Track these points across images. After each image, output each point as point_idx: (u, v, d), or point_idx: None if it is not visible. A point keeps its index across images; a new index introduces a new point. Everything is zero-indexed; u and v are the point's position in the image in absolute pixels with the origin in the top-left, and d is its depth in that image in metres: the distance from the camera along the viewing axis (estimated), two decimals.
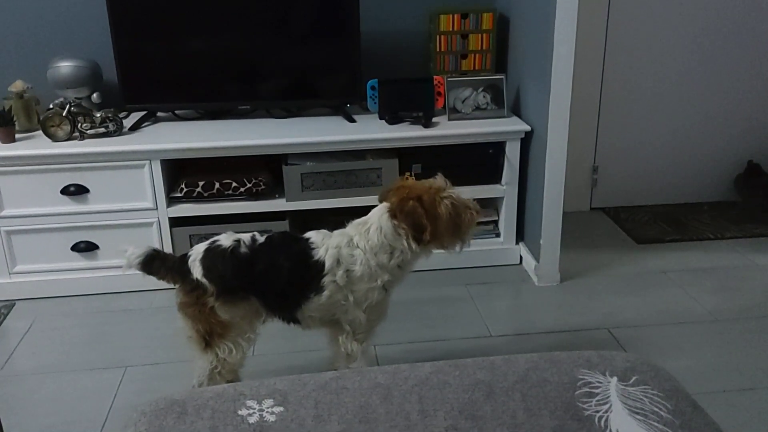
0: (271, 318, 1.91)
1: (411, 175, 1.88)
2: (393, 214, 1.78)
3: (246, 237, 1.81)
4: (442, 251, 1.86)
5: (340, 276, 1.78)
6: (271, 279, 1.79)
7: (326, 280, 1.78)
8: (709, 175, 3.57)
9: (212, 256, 1.79)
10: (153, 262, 1.81)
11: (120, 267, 2.72)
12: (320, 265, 1.78)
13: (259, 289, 1.81)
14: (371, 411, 1.27)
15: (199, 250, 1.81)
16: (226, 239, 1.81)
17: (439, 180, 1.82)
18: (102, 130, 2.69)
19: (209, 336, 1.80)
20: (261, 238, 1.81)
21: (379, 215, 1.81)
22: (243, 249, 1.78)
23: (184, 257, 1.82)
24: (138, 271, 1.83)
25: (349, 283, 1.80)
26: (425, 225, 1.74)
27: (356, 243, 1.80)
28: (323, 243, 1.81)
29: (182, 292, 1.81)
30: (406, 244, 1.78)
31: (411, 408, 1.27)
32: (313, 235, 1.83)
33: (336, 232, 1.85)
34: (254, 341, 1.92)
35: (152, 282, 2.77)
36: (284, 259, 1.79)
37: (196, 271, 1.78)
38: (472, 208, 1.84)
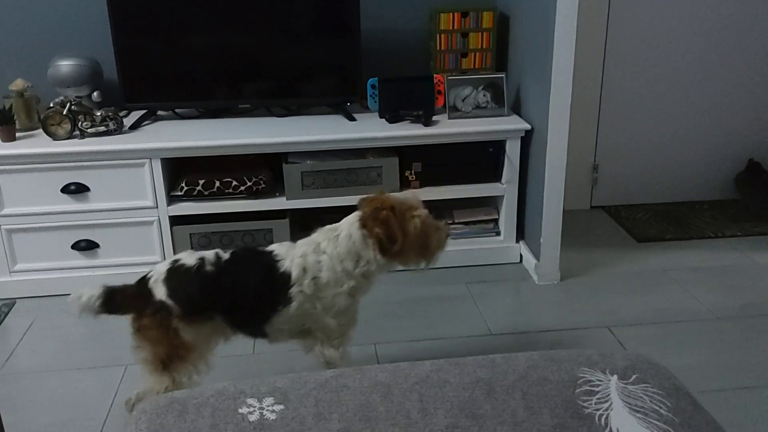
0: (236, 335, 1.86)
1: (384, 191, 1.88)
2: (363, 223, 1.78)
3: (209, 254, 1.78)
4: (406, 267, 1.85)
5: (308, 285, 1.77)
6: (239, 295, 1.76)
7: (294, 291, 1.76)
8: (709, 173, 3.57)
9: (177, 276, 1.74)
10: (114, 297, 1.73)
11: (121, 265, 2.74)
12: (287, 276, 1.76)
13: (227, 306, 1.77)
14: (371, 409, 1.27)
15: (160, 270, 1.76)
16: (188, 258, 1.77)
17: (411, 198, 1.82)
18: (102, 128, 2.69)
19: (169, 359, 1.73)
20: (225, 255, 1.79)
21: (350, 223, 1.81)
22: (208, 267, 1.75)
23: (143, 280, 1.76)
24: (98, 315, 1.72)
25: (316, 291, 1.78)
26: (398, 235, 1.74)
27: (323, 249, 1.79)
28: (288, 254, 1.79)
29: (144, 316, 1.73)
30: (372, 254, 1.78)
31: (411, 406, 1.27)
32: (276, 248, 1.82)
33: (300, 241, 1.83)
34: (211, 366, 1.84)
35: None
36: (251, 273, 1.77)
37: (160, 292, 1.73)
38: (443, 230, 1.84)
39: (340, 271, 1.79)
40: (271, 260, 1.79)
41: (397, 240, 1.74)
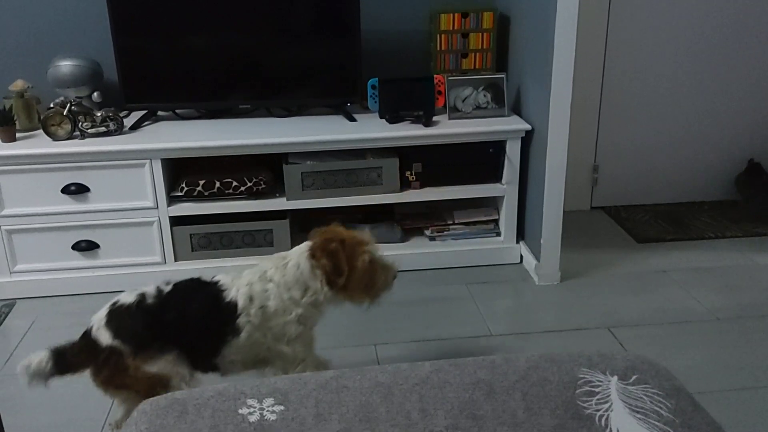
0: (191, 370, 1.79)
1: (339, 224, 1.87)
2: (312, 253, 1.77)
3: (150, 289, 1.75)
4: (351, 304, 1.83)
5: (255, 314, 1.74)
6: (184, 327, 1.72)
7: (241, 320, 1.73)
8: (709, 174, 3.57)
9: (118, 317, 1.71)
10: (64, 357, 1.69)
11: (121, 266, 2.74)
12: (233, 306, 1.73)
13: (174, 340, 1.72)
14: (372, 410, 1.27)
15: (99, 317, 1.73)
16: (127, 296, 1.74)
17: (364, 235, 1.81)
18: (102, 129, 2.69)
19: (153, 391, 1.63)
20: (167, 287, 1.75)
21: (299, 252, 1.80)
22: (149, 300, 1.72)
23: (86, 332, 1.72)
24: (50, 378, 1.67)
25: (264, 320, 1.76)
26: (344, 268, 1.73)
27: (270, 276, 1.78)
28: (233, 284, 1.77)
29: (100, 368, 1.69)
30: (319, 285, 1.76)
31: (411, 407, 1.27)
32: (222, 277, 1.80)
33: (246, 270, 1.81)
34: (199, 380, 1.78)
35: (153, 281, 2.78)
36: (195, 304, 1.74)
37: (105, 338, 1.68)
38: (390, 270, 1.83)
39: (287, 299, 1.77)
40: (216, 290, 1.76)
41: (343, 273, 1.73)
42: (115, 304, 1.73)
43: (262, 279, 1.78)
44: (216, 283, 1.78)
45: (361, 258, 1.75)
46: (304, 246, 1.80)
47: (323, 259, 1.74)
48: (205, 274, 2.74)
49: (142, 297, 1.73)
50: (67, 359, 1.69)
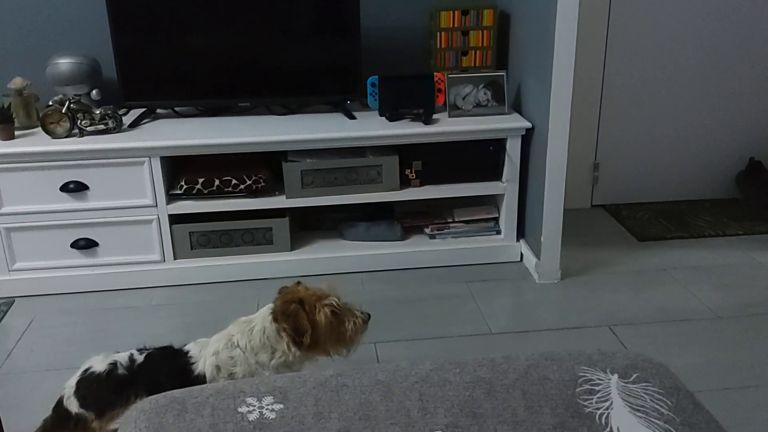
0: None
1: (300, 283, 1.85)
2: (275, 317, 1.76)
3: (123, 357, 1.74)
4: (328, 356, 1.83)
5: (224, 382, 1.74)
6: None
7: None
8: (710, 172, 3.56)
9: (86, 385, 1.71)
10: None
11: (120, 264, 2.74)
12: (201, 377, 1.73)
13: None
14: (371, 408, 1.26)
15: (70, 384, 1.72)
16: (99, 363, 1.73)
17: (325, 287, 1.81)
18: (101, 127, 2.68)
19: None
20: (140, 358, 1.75)
21: (263, 316, 1.79)
22: (120, 371, 1.72)
23: (59, 401, 1.73)
24: None
25: None
26: (306, 328, 1.73)
27: (236, 342, 1.77)
28: (201, 355, 1.77)
29: None
30: (286, 347, 1.76)
31: (411, 405, 1.27)
32: (192, 347, 1.79)
33: (214, 337, 1.81)
34: None
35: (152, 279, 2.78)
36: (165, 378, 1.72)
37: (73, 407, 1.70)
38: (359, 316, 1.82)
39: (254, 364, 1.76)
40: (186, 362, 1.76)
41: (306, 332, 1.73)
42: (86, 371, 1.73)
43: (228, 346, 1.77)
44: (187, 353, 1.78)
45: (321, 313, 1.75)
46: (267, 309, 1.80)
47: (284, 322, 1.74)
48: (204, 272, 2.77)
49: (114, 366, 1.72)
50: None
